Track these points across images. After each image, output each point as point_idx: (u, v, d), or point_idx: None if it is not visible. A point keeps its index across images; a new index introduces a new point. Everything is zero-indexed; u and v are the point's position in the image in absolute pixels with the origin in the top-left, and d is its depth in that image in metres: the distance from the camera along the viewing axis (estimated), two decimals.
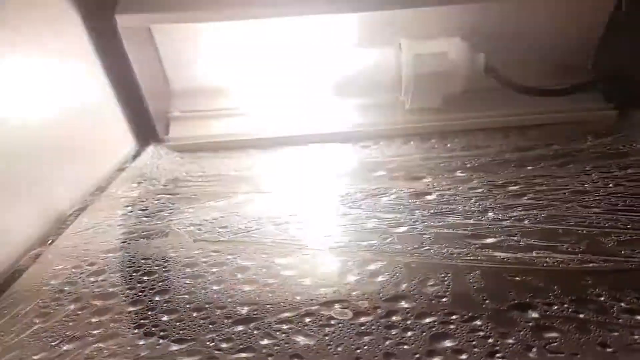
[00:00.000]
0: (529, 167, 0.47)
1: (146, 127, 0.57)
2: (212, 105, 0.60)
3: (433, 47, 0.55)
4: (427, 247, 0.35)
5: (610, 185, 0.42)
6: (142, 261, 0.36)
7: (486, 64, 0.56)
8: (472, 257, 0.33)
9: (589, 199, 0.40)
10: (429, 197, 0.43)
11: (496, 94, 0.59)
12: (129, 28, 0.51)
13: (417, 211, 0.41)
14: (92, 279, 0.34)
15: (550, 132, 0.56)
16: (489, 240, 0.35)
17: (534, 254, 0.33)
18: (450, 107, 0.57)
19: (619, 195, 0.40)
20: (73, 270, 0.35)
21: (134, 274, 0.34)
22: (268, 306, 0.31)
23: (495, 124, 0.57)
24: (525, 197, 0.41)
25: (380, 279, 0.32)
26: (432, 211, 0.40)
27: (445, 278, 0.32)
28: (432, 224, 0.38)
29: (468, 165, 0.49)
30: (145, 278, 0.34)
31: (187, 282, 0.33)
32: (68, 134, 0.45)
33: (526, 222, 0.37)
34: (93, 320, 0.31)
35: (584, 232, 0.35)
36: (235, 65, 0.60)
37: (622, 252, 0.33)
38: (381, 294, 0.31)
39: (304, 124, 0.59)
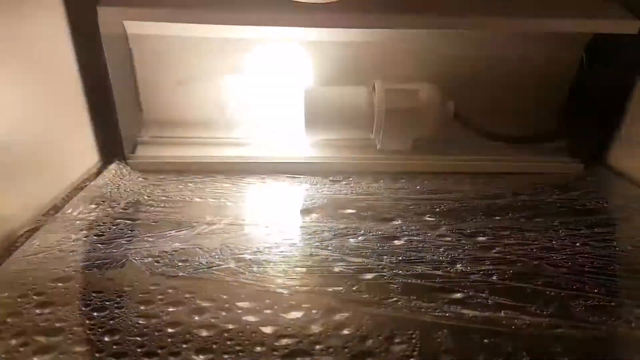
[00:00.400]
0: (497, 217, 0.47)
1: (113, 143, 0.54)
2: (184, 134, 0.59)
3: (405, 87, 0.55)
4: (395, 299, 0.34)
5: (578, 244, 0.42)
6: (94, 294, 0.33)
7: (455, 110, 0.57)
8: (440, 314, 0.33)
9: (556, 258, 0.40)
10: (397, 242, 0.42)
11: (465, 140, 0.60)
12: (110, 36, 0.50)
13: (385, 257, 0.40)
14: (38, 311, 0.32)
15: (517, 181, 0.56)
16: (458, 296, 0.35)
17: (502, 314, 0.33)
18: (420, 150, 0.57)
19: (586, 255, 0.40)
20: (19, 299, 0.32)
21: (84, 309, 0.32)
22: (226, 356, 0.29)
23: (464, 168, 0.58)
24: (494, 251, 0.41)
25: (345, 332, 0.31)
26: (400, 258, 0.40)
27: (414, 335, 0.31)
28: (400, 272, 0.37)
29: (437, 209, 0.49)
30: (95, 314, 0.31)
31: (141, 322, 0.31)
32: (26, 142, 0.42)
33: (495, 277, 0.37)
34: (35, 359, 0.28)
35: (552, 293, 0.35)
36: (209, 97, 0.60)
37: (590, 318, 0.32)
38: (346, 350, 0.29)
39: (273, 154, 0.58)
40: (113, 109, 0.52)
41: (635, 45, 0.53)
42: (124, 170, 0.54)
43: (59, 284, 0.34)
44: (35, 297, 0.33)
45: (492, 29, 0.54)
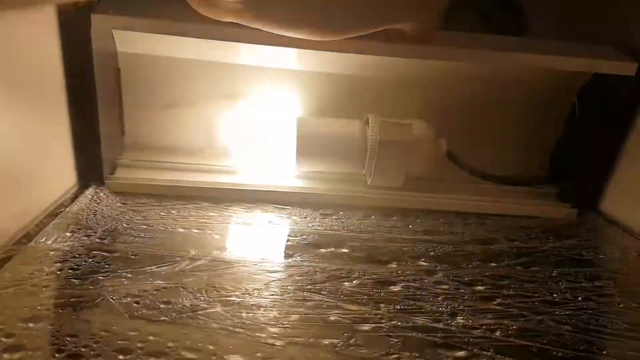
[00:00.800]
0: (493, 264, 0.46)
1: (91, 166, 0.51)
2: (167, 159, 0.56)
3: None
4: (396, 355, 0.32)
5: (580, 298, 0.41)
6: (68, 339, 0.30)
7: (447, 148, 0.56)
8: None
9: (559, 313, 0.38)
10: (394, 288, 0.40)
11: (457, 180, 0.59)
12: (101, 53, 0.47)
13: (382, 305, 0.37)
14: (6, 356, 0.28)
15: (509, 225, 0.55)
16: (462, 354, 0.33)
17: None
18: (411, 187, 0.56)
19: (590, 311, 0.39)
20: None
21: (57, 355, 0.29)
22: None
23: (455, 207, 0.57)
24: (494, 302, 0.39)
25: None
26: (398, 307, 0.37)
27: None
28: (399, 324, 0.35)
29: (432, 253, 0.47)
30: None
31: None
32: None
33: (498, 333, 0.35)
34: None
35: (560, 354, 0.33)
36: (196, 123, 0.57)
37: None
38: None
39: (261, 182, 0.56)
40: (97, 130, 0.49)
41: (628, 91, 0.53)
42: (102, 195, 0.51)
43: (30, 325, 0.31)
44: (4, 339, 0.29)
45: (486, 61, 0.53)
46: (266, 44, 0.47)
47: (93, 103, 0.48)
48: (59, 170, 0.49)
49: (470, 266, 0.45)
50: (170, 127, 0.58)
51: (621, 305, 0.40)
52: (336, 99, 0.59)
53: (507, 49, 0.51)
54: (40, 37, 0.43)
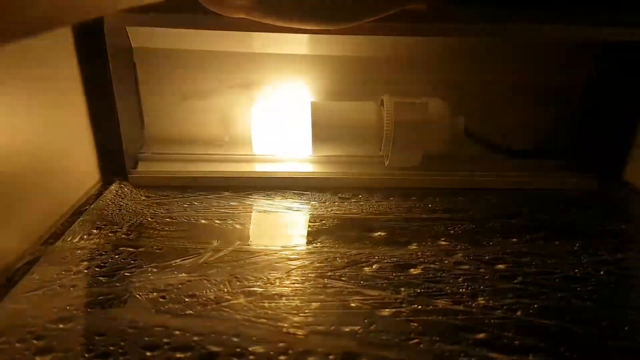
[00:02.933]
0: (514, 240, 0.45)
1: (114, 162, 0.52)
2: (187, 151, 0.57)
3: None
4: (416, 340, 0.32)
5: (602, 272, 0.40)
6: (96, 338, 0.31)
7: (465, 125, 0.55)
8: (466, 358, 0.31)
9: (581, 289, 0.38)
10: (413, 271, 0.40)
11: (476, 156, 0.58)
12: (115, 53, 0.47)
13: (402, 289, 0.38)
14: (38, 359, 0.30)
15: (531, 199, 0.54)
16: (482, 336, 0.33)
17: (531, 358, 0.31)
18: (429, 166, 0.56)
19: (613, 286, 0.38)
20: (17, 345, 0.30)
21: (87, 355, 0.30)
22: None
23: (475, 184, 0.56)
24: (515, 281, 0.39)
25: None
26: (418, 290, 0.38)
27: None
28: (419, 307, 0.36)
29: (451, 232, 0.47)
30: None
31: None
32: (25, 165, 0.40)
33: (519, 313, 0.35)
34: None
35: (582, 332, 0.33)
36: (213, 113, 0.58)
37: None
38: None
39: (280, 169, 0.56)
40: (116, 126, 0.50)
41: None
42: (126, 190, 0.52)
43: (60, 326, 0.32)
44: (34, 341, 0.31)
45: (506, 36, 0.52)
46: (278, 32, 0.47)
47: (111, 99, 0.49)
48: (81, 168, 0.50)
49: (491, 244, 0.45)
50: (188, 118, 0.59)
51: None
52: (350, 81, 0.58)
53: (524, 21, 0.50)
54: (54, 35, 0.44)
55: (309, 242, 0.44)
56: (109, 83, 0.48)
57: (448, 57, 0.58)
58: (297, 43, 0.55)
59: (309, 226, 0.47)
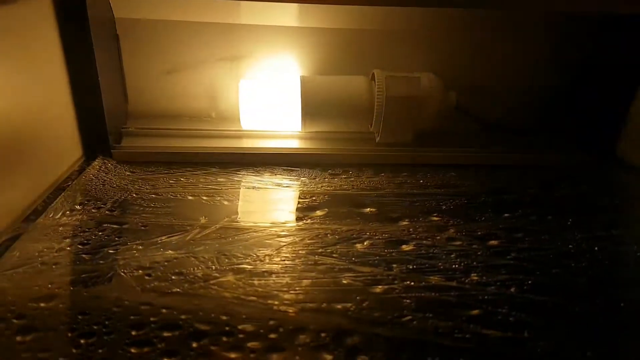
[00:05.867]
0: (507, 215, 0.45)
1: (97, 137, 0.51)
2: (173, 126, 0.56)
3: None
4: (409, 317, 0.31)
5: (596, 248, 0.40)
6: (80, 317, 0.30)
7: (457, 100, 0.54)
8: (459, 335, 0.30)
9: (575, 265, 0.37)
10: (406, 247, 0.39)
11: (467, 132, 0.58)
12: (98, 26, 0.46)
13: (394, 265, 0.37)
14: (19, 338, 0.28)
15: (523, 174, 0.54)
16: (476, 312, 0.32)
17: (526, 334, 0.30)
18: (420, 142, 0.55)
19: (607, 262, 0.38)
20: None
21: (70, 334, 0.29)
22: None
23: (467, 160, 0.55)
24: (508, 257, 0.38)
25: None
26: (410, 267, 0.37)
27: None
28: (412, 284, 0.35)
29: (443, 207, 0.46)
30: (82, 341, 0.28)
31: (132, 351, 0.28)
32: (4, 139, 0.38)
33: (513, 289, 0.35)
34: None
35: (577, 309, 0.33)
36: (200, 86, 0.56)
37: (620, 339, 0.30)
38: None
39: (269, 145, 0.55)
40: (99, 100, 0.48)
41: None
42: (109, 165, 0.51)
43: (42, 304, 0.31)
44: (15, 320, 0.30)
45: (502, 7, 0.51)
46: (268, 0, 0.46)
47: (93, 73, 0.47)
48: (63, 144, 0.48)
49: (483, 219, 0.44)
50: (174, 92, 0.57)
51: (638, 254, 0.39)
52: (340, 55, 0.57)
53: None
54: (33, 7, 0.42)
55: (299, 219, 0.43)
56: (91, 56, 0.46)
57: (441, 29, 0.56)
58: (287, 14, 0.54)
59: (299, 202, 0.46)
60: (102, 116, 0.49)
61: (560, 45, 0.57)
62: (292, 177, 0.51)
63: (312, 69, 0.58)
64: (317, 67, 0.58)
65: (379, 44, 0.57)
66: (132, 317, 0.30)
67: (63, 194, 0.44)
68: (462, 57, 0.58)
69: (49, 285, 0.33)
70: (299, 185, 0.50)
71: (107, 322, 0.30)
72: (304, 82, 0.53)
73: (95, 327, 0.29)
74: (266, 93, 0.54)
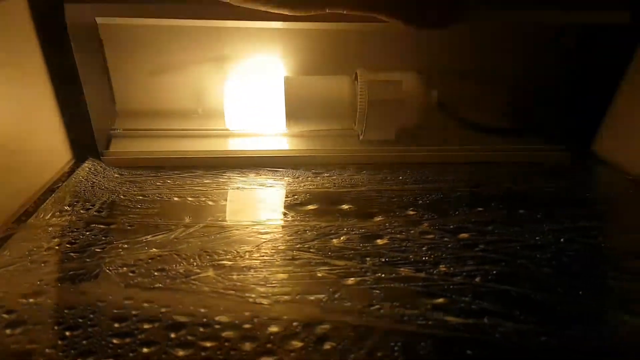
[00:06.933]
0: (480, 209, 0.47)
1: (86, 139, 0.52)
2: (160, 126, 0.57)
3: (388, 77, 0.54)
4: (378, 306, 0.33)
5: (562, 240, 0.41)
6: (66, 311, 0.32)
7: (439, 99, 0.56)
8: (423, 322, 0.32)
9: (540, 256, 0.39)
10: (380, 242, 0.41)
11: (449, 131, 0.59)
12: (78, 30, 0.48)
13: (368, 258, 0.39)
14: (8, 331, 0.30)
15: (500, 170, 0.55)
16: (441, 300, 0.34)
17: (486, 321, 0.32)
18: (403, 141, 0.57)
19: (571, 253, 0.40)
20: None
21: (57, 327, 0.31)
22: None
23: (448, 158, 0.57)
24: (477, 248, 0.40)
25: (326, 346, 0.30)
26: (383, 260, 0.39)
27: (396, 348, 0.30)
28: (383, 275, 0.37)
29: (420, 202, 0.48)
30: (68, 333, 0.30)
31: (115, 341, 0.30)
32: None
33: (478, 279, 0.36)
34: None
35: (538, 297, 0.34)
36: (185, 87, 0.58)
37: (575, 325, 0.32)
38: None
39: (255, 147, 0.57)
40: (84, 105, 0.50)
41: (623, 35, 0.52)
42: (99, 167, 0.52)
43: (31, 300, 0.33)
44: (5, 315, 0.32)
45: (482, 19, 0.53)
46: (247, 20, 0.48)
47: (76, 80, 0.49)
48: (52, 147, 0.50)
49: (457, 213, 0.46)
50: (160, 93, 0.59)
51: (603, 245, 0.41)
52: (323, 54, 0.58)
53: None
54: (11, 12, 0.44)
55: (280, 217, 0.45)
56: (73, 65, 0.48)
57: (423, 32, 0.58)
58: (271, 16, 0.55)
59: (281, 202, 0.48)
60: (88, 120, 0.51)
61: (539, 44, 0.59)
62: (276, 177, 0.53)
63: (296, 70, 0.59)
64: (301, 68, 0.59)
65: (362, 42, 0.58)
66: (115, 311, 0.32)
67: (53, 195, 0.46)
68: (444, 56, 0.59)
69: (38, 282, 0.35)
70: (283, 184, 0.51)
71: (91, 316, 0.32)
72: (287, 82, 0.55)
73: (80, 321, 0.31)
74: (250, 94, 0.56)
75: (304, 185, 0.51)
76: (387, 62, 0.58)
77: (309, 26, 0.57)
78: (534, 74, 0.60)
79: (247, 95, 0.56)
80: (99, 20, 0.52)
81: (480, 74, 0.60)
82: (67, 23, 0.46)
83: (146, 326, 0.31)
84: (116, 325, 0.31)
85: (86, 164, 0.53)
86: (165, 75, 0.58)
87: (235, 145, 0.57)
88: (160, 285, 0.35)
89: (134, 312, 0.32)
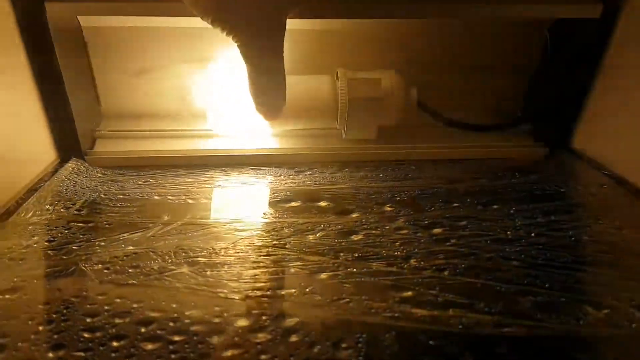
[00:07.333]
0: (455, 204, 0.47)
1: (70, 140, 0.53)
2: (144, 127, 0.58)
3: (369, 75, 0.55)
4: (347, 300, 0.34)
5: (533, 234, 0.42)
6: (40, 307, 0.33)
7: (419, 97, 0.56)
8: (390, 314, 0.33)
9: (510, 250, 0.40)
10: (355, 237, 0.42)
11: (429, 128, 0.60)
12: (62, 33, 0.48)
13: (341, 254, 0.40)
14: None
15: (479, 167, 0.56)
16: (408, 294, 0.35)
17: (451, 312, 0.33)
18: (385, 139, 0.57)
19: (540, 247, 0.40)
20: None
21: (30, 322, 0.32)
22: None
23: (428, 155, 0.58)
24: (448, 243, 0.41)
25: (294, 338, 0.31)
26: (356, 255, 0.39)
27: (360, 339, 0.31)
28: (354, 270, 0.37)
29: (397, 198, 0.49)
30: (40, 328, 0.31)
31: (86, 335, 0.30)
32: None
33: (446, 272, 0.37)
34: None
35: (502, 289, 0.35)
36: (169, 88, 0.59)
37: (539, 315, 0.33)
38: (292, 358, 0.29)
39: (237, 146, 0.57)
40: (68, 107, 0.51)
41: (597, 29, 0.53)
42: (82, 167, 0.53)
43: (7, 296, 0.34)
44: None
45: (455, 15, 0.53)
46: None
47: (60, 80, 0.50)
48: (36, 147, 0.51)
49: (432, 209, 0.47)
50: (144, 94, 0.59)
51: (573, 239, 0.42)
52: (305, 54, 0.59)
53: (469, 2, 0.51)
54: None
55: (258, 215, 0.46)
56: (57, 66, 0.49)
57: (401, 30, 0.59)
58: None
59: (261, 199, 0.48)
60: (72, 121, 0.52)
61: (517, 41, 0.60)
62: (259, 175, 0.54)
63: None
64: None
65: (342, 42, 0.59)
66: (88, 306, 0.33)
67: (35, 195, 0.47)
68: (423, 53, 0.60)
69: (15, 279, 0.35)
70: (264, 182, 0.52)
71: (65, 311, 0.32)
72: None
73: (54, 316, 0.32)
74: (233, 93, 0.56)
75: (286, 183, 0.52)
76: (368, 61, 0.59)
77: (290, 26, 0.57)
78: (511, 70, 0.61)
79: (230, 95, 0.56)
80: (83, 22, 0.53)
81: (458, 70, 0.61)
82: (48, 22, 0.46)
83: (117, 321, 0.32)
84: (88, 320, 0.32)
85: (69, 164, 0.53)
86: (149, 77, 0.59)
87: (218, 144, 0.58)
88: (134, 281, 0.36)
89: (106, 308, 0.33)
